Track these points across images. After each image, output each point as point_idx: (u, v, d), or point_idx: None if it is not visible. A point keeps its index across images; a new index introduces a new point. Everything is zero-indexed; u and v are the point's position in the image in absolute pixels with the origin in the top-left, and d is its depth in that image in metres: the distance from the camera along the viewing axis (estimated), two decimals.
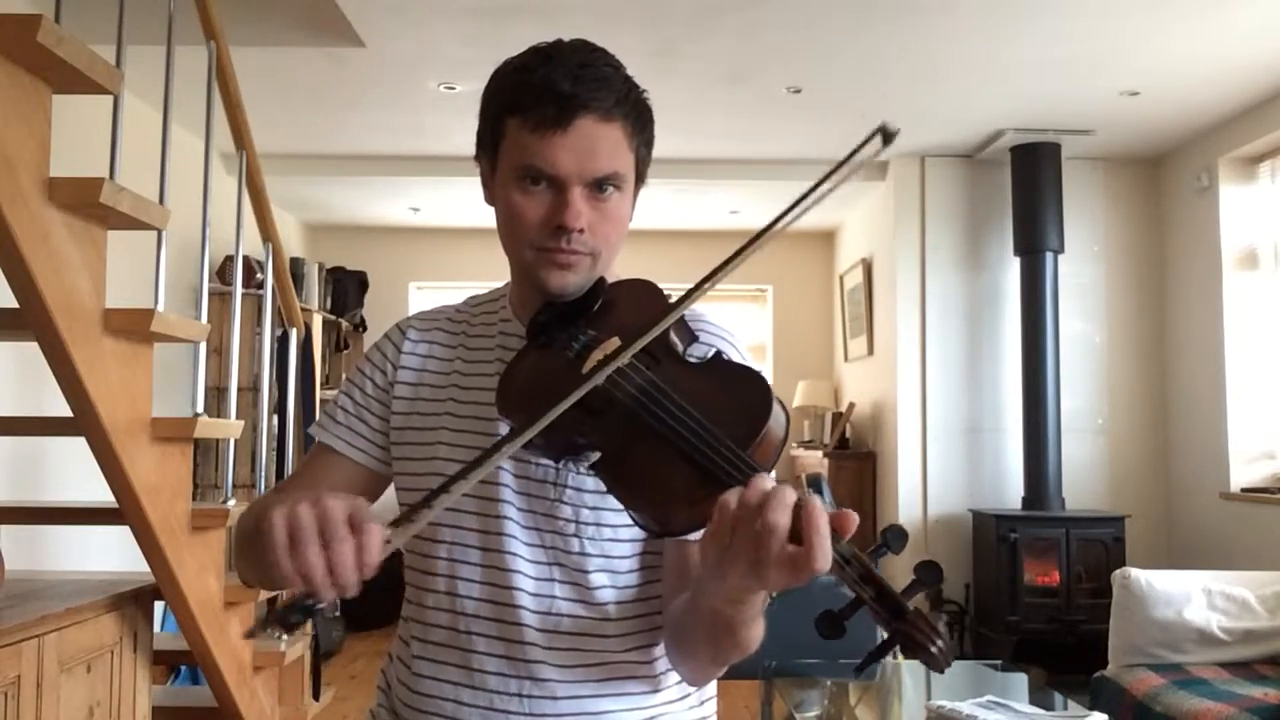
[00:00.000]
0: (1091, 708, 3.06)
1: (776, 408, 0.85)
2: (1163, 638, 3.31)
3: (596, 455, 0.90)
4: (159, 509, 2.19)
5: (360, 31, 3.71)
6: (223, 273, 4.87)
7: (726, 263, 0.89)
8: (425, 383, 1.14)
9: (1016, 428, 5.12)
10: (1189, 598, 3.33)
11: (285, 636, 0.78)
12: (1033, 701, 2.45)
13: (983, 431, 5.31)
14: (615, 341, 0.95)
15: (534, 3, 3.47)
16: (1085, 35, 3.77)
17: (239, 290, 2.83)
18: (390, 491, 1.17)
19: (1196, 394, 5.00)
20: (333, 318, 6.23)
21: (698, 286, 0.90)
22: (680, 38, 3.78)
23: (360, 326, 6.66)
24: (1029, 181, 5.04)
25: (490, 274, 1.47)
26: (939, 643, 0.72)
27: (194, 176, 2.71)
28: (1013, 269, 5.20)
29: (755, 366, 0.95)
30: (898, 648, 0.74)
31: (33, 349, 2.00)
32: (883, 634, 0.76)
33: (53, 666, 1.96)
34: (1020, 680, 2.94)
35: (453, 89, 4.33)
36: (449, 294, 1.26)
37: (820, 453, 6.03)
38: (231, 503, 2.58)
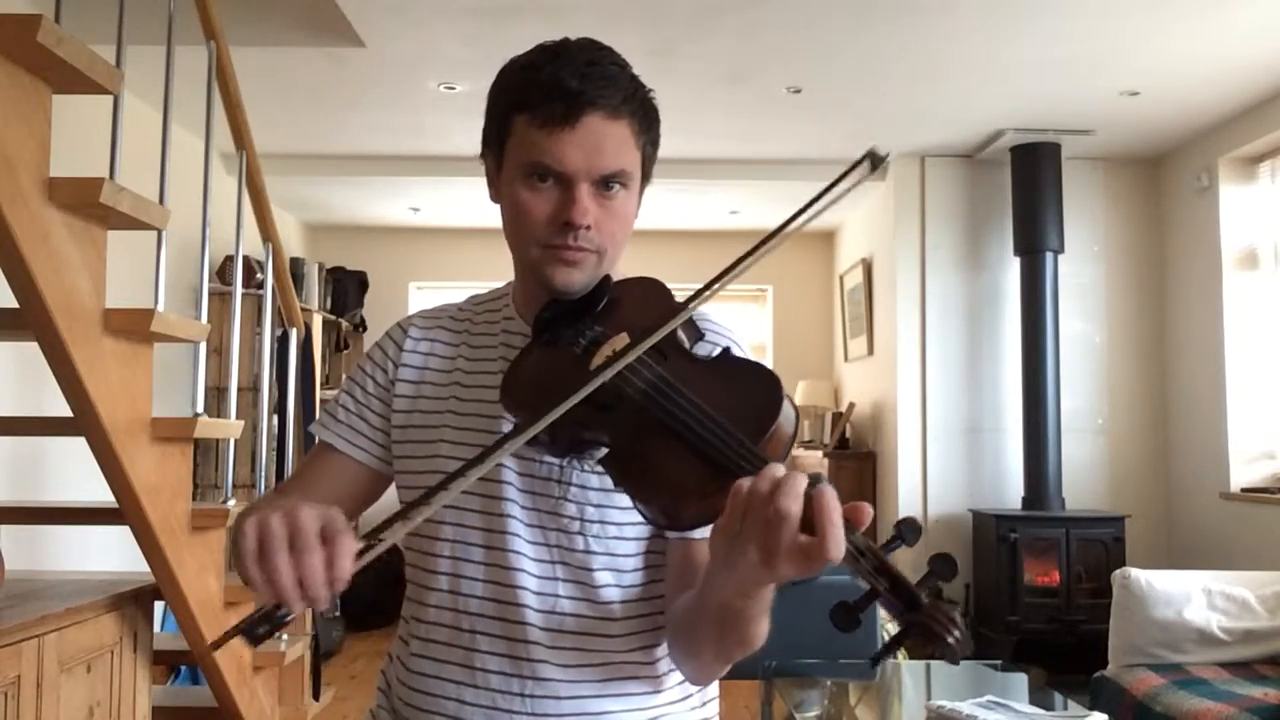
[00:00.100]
0: (1091, 708, 3.06)
1: (787, 404, 0.85)
2: (1163, 638, 3.31)
3: (603, 451, 0.90)
4: (159, 509, 2.19)
5: (360, 31, 3.71)
6: (223, 273, 4.87)
7: (732, 267, 0.90)
8: (427, 380, 1.14)
9: (1016, 428, 5.12)
10: (1189, 598, 3.33)
11: (254, 647, 0.78)
12: (1033, 701, 2.45)
13: (983, 431, 5.31)
14: (624, 337, 0.95)
15: (534, 3, 3.47)
16: (1085, 35, 3.77)
17: (239, 290, 2.83)
18: (391, 491, 1.17)
19: (1196, 394, 5.00)
20: (333, 318, 6.23)
21: (707, 286, 0.91)
22: (680, 38, 3.78)
23: (360, 326, 6.66)
24: (1029, 181, 5.04)
25: (491, 274, 1.48)
26: (956, 633, 0.71)
27: (194, 176, 2.71)
28: (1013, 269, 5.20)
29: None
30: (913, 639, 0.73)
31: (33, 349, 2.00)
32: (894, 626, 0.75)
33: (53, 666, 1.96)
34: (1020, 680, 2.94)
35: (453, 89, 4.33)
36: (449, 294, 1.26)
37: (820, 453, 6.03)
38: (231, 503, 2.58)
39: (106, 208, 1.91)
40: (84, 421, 2.01)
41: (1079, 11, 3.56)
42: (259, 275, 4.10)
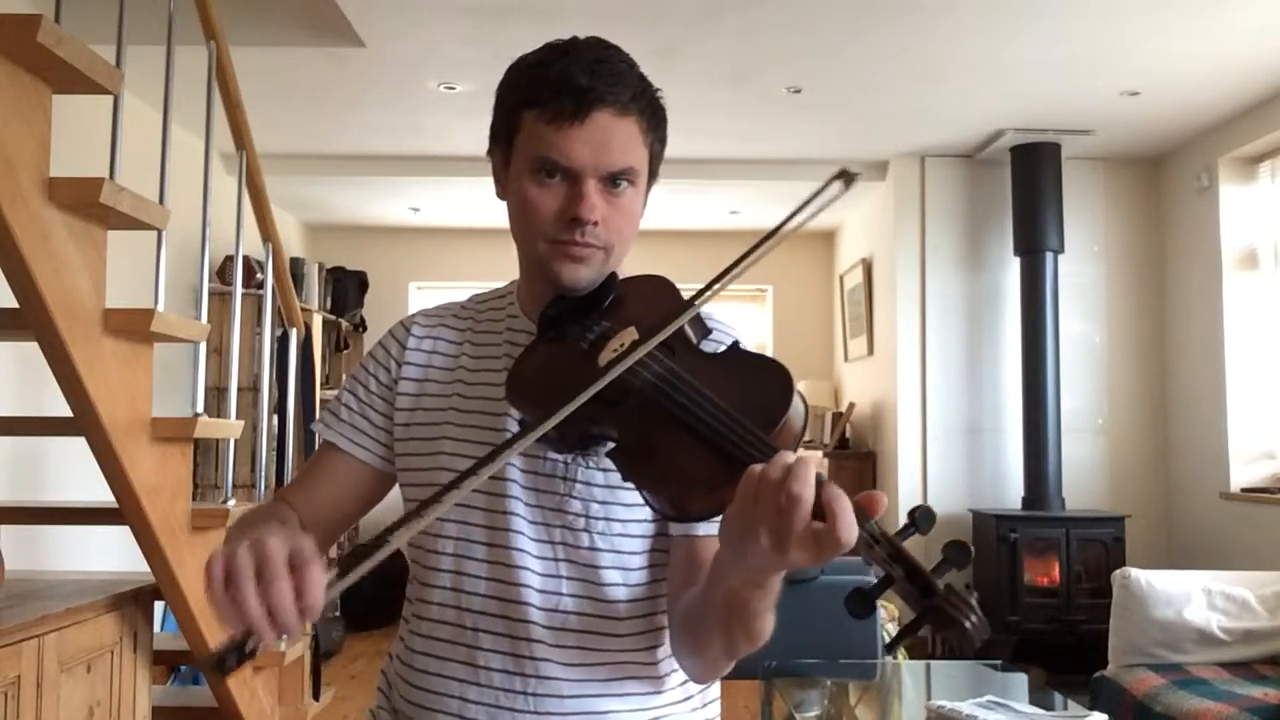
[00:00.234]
0: (1091, 708, 3.06)
1: (797, 397, 0.85)
2: (1163, 638, 3.31)
3: (610, 445, 0.90)
4: (159, 509, 2.19)
5: (360, 31, 3.71)
6: (223, 273, 4.87)
7: (735, 264, 0.90)
8: (430, 378, 1.14)
9: (1016, 428, 5.12)
10: (1189, 598, 3.33)
11: (225, 677, 0.77)
12: (1033, 701, 2.45)
13: (983, 431, 5.31)
14: (631, 332, 0.96)
15: (534, 3, 3.47)
16: (1085, 35, 3.77)
17: (239, 290, 2.83)
18: (396, 493, 1.17)
19: (1196, 394, 5.00)
20: (333, 318, 6.23)
21: (710, 285, 0.91)
22: (680, 38, 3.78)
23: (360, 326, 6.66)
24: (1029, 181, 5.04)
25: (491, 274, 1.48)
26: (973, 618, 0.71)
27: (194, 176, 2.71)
28: (1013, 269, 5.20)
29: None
30: (929, 625, 0.73)
31: (33, 349, 2.00)
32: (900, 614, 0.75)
33: (53, 666, 1.96)
34: (1020, 680, 2.94)
35: (453, 89, 4.33)
36: (449, 294, 1.26)
37: (820, 453, 6.03)
38: (231, 503, 2.58)
39: (106, 208, 1.91)
40: (84, 421, 2.01)
41: (1079, 11, 3.56)
42: (259, 275, 4.10)
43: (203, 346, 2.54)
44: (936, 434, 5.31)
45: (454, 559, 1.05)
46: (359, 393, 1.16)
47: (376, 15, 3.58)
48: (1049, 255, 4.99)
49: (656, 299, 1.02)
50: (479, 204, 6.05)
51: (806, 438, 6.62)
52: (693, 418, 0.84)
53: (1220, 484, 4.71)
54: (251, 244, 3.05)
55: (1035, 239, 5.00)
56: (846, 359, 6.53)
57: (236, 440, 2.82)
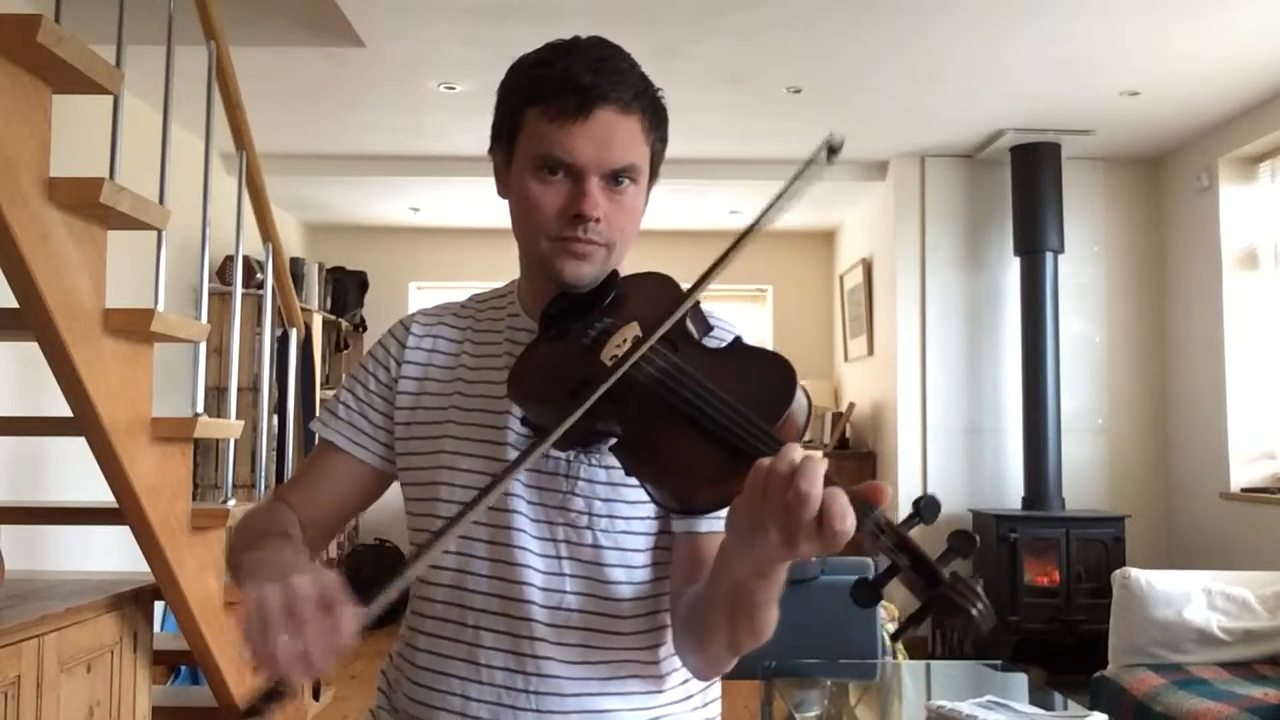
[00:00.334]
0: (1091, 708, 3.06)
1: (800, 391, 0.86)
2: (1163, 638, 3.31)
3: (613, 441, 0.90)
4: (159, 509, 2.19)
5: (360, 31, 3.71)
6: (223, 273, 4.87)
7: (732, 248, 0.90)
8: (431, 378, 1.13)
9: (1016, 428, 5.12)
10: (1189, 598, 3.33)
11: None
12: (1033, 701, 2.45)
13: (983, 431, 5.31)
14: (634, 328, 0.96)
15: (534, 3, 3.47)
16: (1085, 35, 3.77)
17: (239, 290, 2.83)
18: (394, 490, 1.17)
19: (1196, 394, 5.00)
20: (333, 318, 6.24)
21: (708, 273, 0.91)
22: (680, 38, 3.78)
23: (360, 326, 6.66)
24: (1029, 181, 5.04)
25: (491, 274, 1.48)
26: (979, 605, 0.70)
27: (194, 176, 2.71)
28: (1013, 269, 5.20)
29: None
30: (934, 614, 0.73)
31: (33, 349, 2.00)
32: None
33: (53, 666, 1.96)
34: (1020, 680, 2.94)
35: (453, 89, 4.33)
36: (449, 294, 1.26)
37: (820, 453, 6.02)
38: (231, 503, 2.58)
39: (106, 208, 1.91)
40: (84, 421, 2.01)
41: (1079, 11, 3.56)
42: (259, 275, 4.10)
43: (203, 346, 2.54)
44: (936, 434, 5.31)
45: (456, 558, 1.05)
46: (358, 391, 1.16)
47: (376, 15, 3.58)
48: (1049, 255, 4.99)
49: (658, 295, 1.02)
50: (479, 204, 6.05)
51: (807, 437, 6.63)
52: (697, 411, 0.84)
53: (1220, 484, 4.71)
54: (251, 244, 3.05)
55: (1035, 239, 5.00)
56: (846, 359, 6.53)
57: (236, 440, 2.82)
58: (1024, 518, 4.85)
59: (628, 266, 1.10)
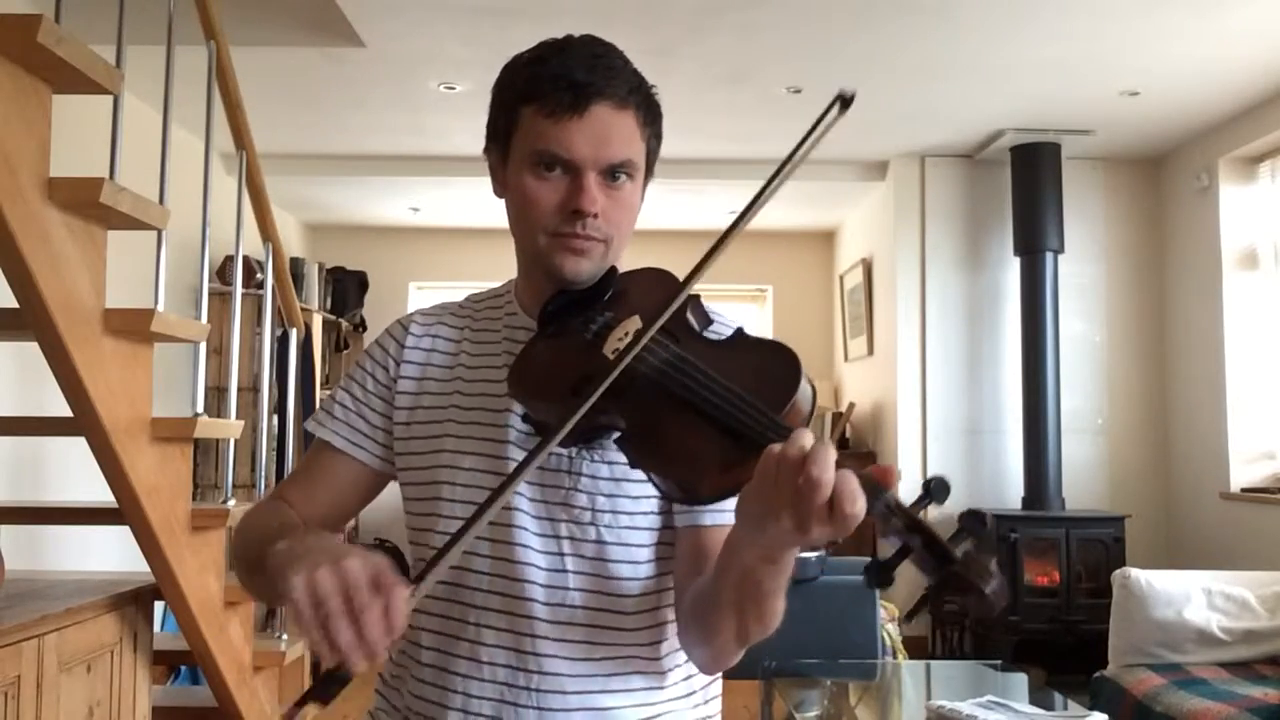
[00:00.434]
0: (1091, 708, 3.06)
1: (804, 379, 0.86)
2: (1163, 638, 3.31)
3: (616, 434, 0.90)
4: (159, 509, 2.19)
5: (360, 31, 3.71)
6: (223, 273, 4.87)
7: (747, 209, 0.91)
8: (430, 376, 1.13)
9: (1016, 428, 5.12)
10: (1189, 598, 3.33)
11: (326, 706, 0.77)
12: (1033, 701, 2.45)
13: (983, 432, 5.31)
14: (636, 321, 0.96)
15: (534, 3, 3.47)
16: (1085, 35, 3.77)
17: (239, 290, 2.83)
18: (392, 490, 1.17)
19: (1196, 394, 5.00)
20: (333, 318, 6.23)
21: (706, 258, 0.91)
22: (679, 38, 3.79)
23: (360, 326, 6.66)
24: (1029, 181, 5.04)
25: (491, 274, 1.48)
26: (993, 583, 0.70)
27: (194, 176, 2.71)
28: (1013, 269, 5.20)
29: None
30: (949, 593, 0.73)
31: (33, 349, 2.00)
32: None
33: (53, 666, 1.96)
34: (1020, 680, 2.94)
35: (453, 89, 4.33)
36: (449, 294, 1.26)
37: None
38: (231, 503, 2.58)
39: (106, 208, 1.91)
40: (84, 421, 2.01)
41: (1079, 11, 3.56)
42: (259, 275, 4.10)
43: (203, 346, 2.54)
44: (936, 434, 5.31)
45: (458, 556, 1.05)
46: (354, 391, 1.15)
47: (376, 15, 3.58)
48: (1049, 255, 4.99)
49: (658, 288, 1.02)
50: (479, 204, 6.05)
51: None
52: (703, 400, 0.85)
53: (1220, 484, 4.71)
54: (251, 244, 3.05)
55: (1035, 239, 5.00)
56: (846, 359, 6.53)
57: (236, 440, 2.82)
58: (1024, 518, 4.85)
59: (626, 266, 1.10)
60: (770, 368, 0.88)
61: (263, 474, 3.22)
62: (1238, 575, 3.50)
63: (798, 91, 4.37)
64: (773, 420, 0.81)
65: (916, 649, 4.78)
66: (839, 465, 0.74)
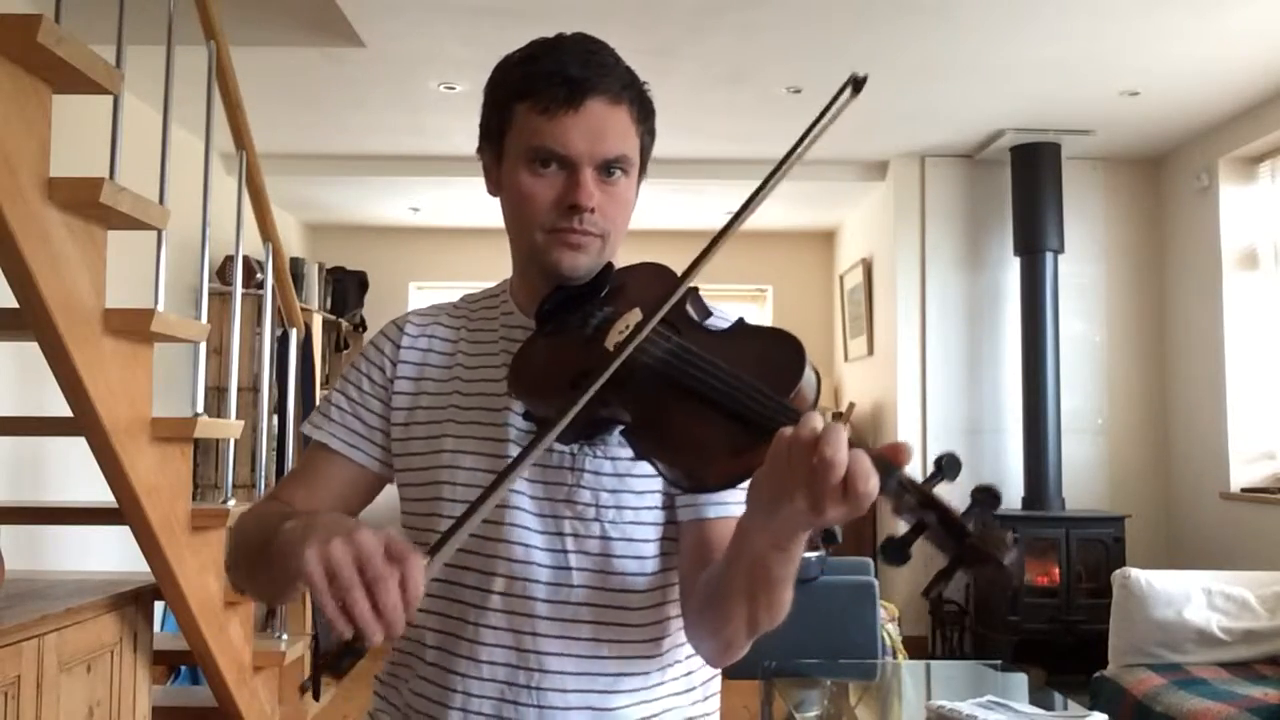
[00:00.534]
0: (1091, 708, 3.06)
1: (808, 365, 0.86)
2: (1163, 638, 3.31)
3: (620, 427, 0.90)
4: (159, 509, 2.19)
5: (360, 31, 3.71)
6: (223, 273, 4.87)
7: (758, 191, 0.93)
8: (427, 377, 1.13)
9: (1016, 428, 5.12)
10: (1189, 598, 3.33)
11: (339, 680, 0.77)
12: (1033, 701, 2.45)
13: (983, 432, 5.31)
14: (636, 314, 0.96)
15: (535, 3, 3.47)
16: (1085, 35, 3.77)
17: (239, 290, 2.83)
18: (390, 491, 1.17)
19: (1196, 394, 5.00)
20: (333, 318, 6.24)
21: (708, 249, 0.92)
22: (679, 38, 3.78)
23: (360, 326, 6.66)
24: (1029, 181, 5.04)
25: (490, 274, 1.48)
26: (1011, 553, 0.70)
27: (194, 176, 2.71)
28: (1013, 269, 5.20)
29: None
30: (965, 567, 0.72)
31: (33, 349, 2.00)
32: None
33: (53, 666, 1.96)
34: (1020, 680, 2.94)
35: (453, 89, 4.33)
36: (449, 294, 1.26)
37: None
38: (231, 503, 2.58)
39: (106, 208, 1.91)
40: (84, 421, 2.01)
41: (1079, 11, 3.56)
42: (259, 275, 4.10)
43: (203, 346, 2.54)
44: (936, 434, 5.31)
45: (459, 553, 1.05)
46: (350, 393, 1.14)
47: (376, 15, 3.59)
48: (1049, 255, 4.99)
49: (656, 282, 1.02)
50: (479, 204, 6.04)
51: None
52: (709, 388, 0.85)
53: (1220, 484, 4.71)
54: (251, 244, 3.05)
55: (1035, 239, 5.00)
56: (846, 359, 6.53)
57: (236, 440, 2.82)
58: (1024, 518, 4.85)
59: (624, 264, 1.10)
60: (774, 354, 0.88)
61: (263, 474, 3.22)
62: (1238, 575, 3.50)
63: (798, 91, 4.37)
64: (781, 404, 0.81)
65: (916, 649, 4.78)
66: (851, 445, 0.74)
